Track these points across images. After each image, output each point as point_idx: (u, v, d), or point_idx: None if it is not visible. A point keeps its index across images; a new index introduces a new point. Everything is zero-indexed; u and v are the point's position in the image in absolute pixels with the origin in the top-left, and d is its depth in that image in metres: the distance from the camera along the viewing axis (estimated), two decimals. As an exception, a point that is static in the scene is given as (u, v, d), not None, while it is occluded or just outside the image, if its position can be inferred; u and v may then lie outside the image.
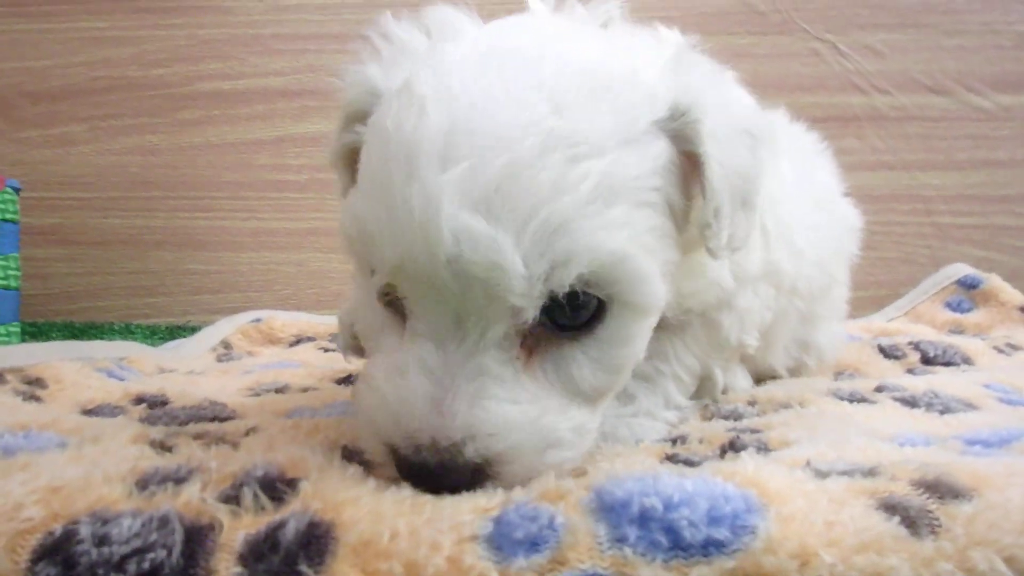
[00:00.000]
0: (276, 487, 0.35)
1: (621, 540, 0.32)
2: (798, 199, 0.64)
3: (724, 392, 0.65)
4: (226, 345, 1.04)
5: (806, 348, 0.73)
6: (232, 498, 0.34)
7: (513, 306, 0.37)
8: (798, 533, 0.32)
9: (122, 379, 0.70)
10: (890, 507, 0.33)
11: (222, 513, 0.33)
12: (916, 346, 0.88)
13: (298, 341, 1.11)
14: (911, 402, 0.60)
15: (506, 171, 0.36)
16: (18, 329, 0.85)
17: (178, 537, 0.32)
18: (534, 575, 0.31)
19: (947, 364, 0.85)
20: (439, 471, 0.36)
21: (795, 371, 0.75)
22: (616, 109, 0.40)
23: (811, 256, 0.65)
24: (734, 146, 0.44)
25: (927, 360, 0.86)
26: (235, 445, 0.44)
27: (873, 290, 1.34)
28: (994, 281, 1.17)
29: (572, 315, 0.39)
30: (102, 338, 1.31)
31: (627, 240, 0.39)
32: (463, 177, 0.35)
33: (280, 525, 0.33)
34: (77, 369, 0.66)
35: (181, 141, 1.41)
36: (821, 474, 0.36)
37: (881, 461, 0.38)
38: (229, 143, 1.41)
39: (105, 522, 0.32)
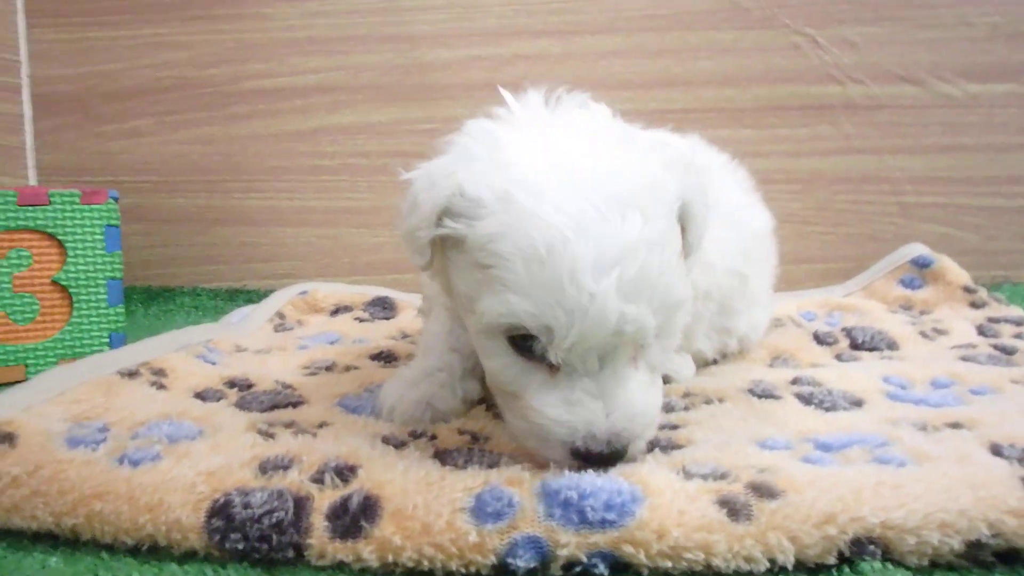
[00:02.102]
0: (343, 473, 0.54)
1: (551, 516, 0.48)
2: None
3: (668, 380, 0.83)
4: (280, 316, 1.23)
5: (727, 334, 0.91)
6: (318, 479, 0.54)
7: (643, 343, 0.55)
8: (660, 517, 0.48)
9: (213, 363, 0.89)
10: (724, 502, 0.49)
11: (313, 490, 0.53)
12: (848, 332, 1.03)
13: (337, 310, 1.30)
14: (807, 399, 0.75)
15: (639, 272, 0.52)
16: (123, 310, 1.06)
17: (290, 504, 0.51)
18: (498, 534, 0.48)
19: (872, 350, 0.99)
20: (611, 454, 0.53)
21: (721, 352, 0.93)
22: (665, 211, 0.57)
23: (720, 266, 0.81)
24: (704, 219, 0.63)
25: (855, 346, 1.00)
26: (314, 435, 0.64)
27: (842, 263, 1.49)
28: (944, 262, 1.30)
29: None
30: (174, 300, 1.51)
31: (686, 285, 0.59)
32: (617, 281, 0.51)
33: (348, 497, 0.52)
34: (183, 358, 0.86)
35: (232, 132, 1.55)
36: (689, 475, 0.53)
37: (737, 464, 0.55)
38: (272, 134, 1.55)
39: (246, 494, 0.52)
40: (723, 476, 0.54)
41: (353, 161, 1.55)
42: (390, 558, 0.49)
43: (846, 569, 0.49)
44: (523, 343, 0.55)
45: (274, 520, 0.51)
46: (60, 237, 0.99)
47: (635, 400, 0.55)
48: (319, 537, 0.50)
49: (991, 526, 0.49)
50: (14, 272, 0.97)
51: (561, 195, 0.53)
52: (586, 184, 0.54)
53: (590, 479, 0.52)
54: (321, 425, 0.69)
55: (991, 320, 1.10)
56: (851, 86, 1.46)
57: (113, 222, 1.02)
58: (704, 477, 0.54)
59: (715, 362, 0.94)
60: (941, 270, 1.29)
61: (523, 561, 0.48)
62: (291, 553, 0.50)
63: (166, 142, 1.58)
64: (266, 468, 0.56)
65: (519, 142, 0.59)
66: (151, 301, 1.50)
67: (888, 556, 0.49)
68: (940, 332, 1.06)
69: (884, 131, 1.47)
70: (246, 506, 0.52)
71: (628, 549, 0.48)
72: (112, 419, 0.65)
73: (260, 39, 1.53)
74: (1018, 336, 1.03)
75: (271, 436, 0.64)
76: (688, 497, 0.51)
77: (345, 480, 0.54)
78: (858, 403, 0.75)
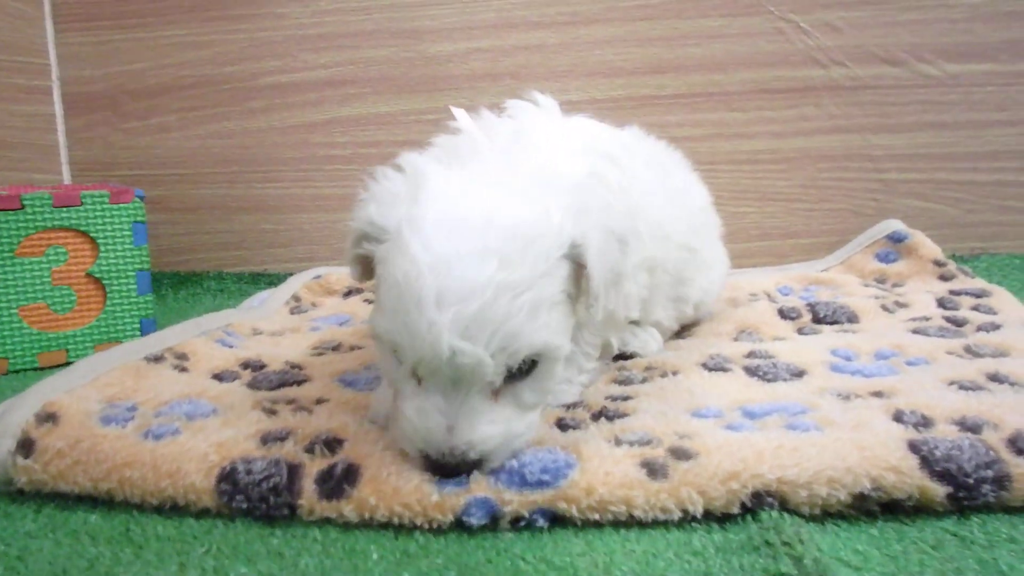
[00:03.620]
0: (332, 444, 0.65)
1: (497, 480, 0.58)
2: (658, 200, 0.85)
3: (630, 354, 0.91)
4: (296, 299, 1.31)
5: (683, 302, 0.98)
6: (310, 449, 0.64)
7: (487, 379, 0.59)
8: (588, 478, 0.57)
9: (231, 346, 0.99)
10: (645, 464, 0.59)
11: (305, 458, 0.63)
12: (812, 307, 1.09)
13: (349, 292, 1.38)
14: (753, 371, 0.82)
15: (478, 311, 0.56)
16: (151, 298, 1.17)
17: (285, 470, 0.61)
18: (455, 496, 0.57)
19: (833, 323, 1.05)
20: (453, 467, 0.59)
21: (679, 320, 1.00)
22: (537, 255, 0.60)
23: (674, 240, 0.88)
24: (608, 255, 0.65)
25: (817, 320, 1.06)
26: (310, 411, 0.74)
27: (826, 237, 1.55)
28: (917, 237, 1.35)
29: (519, 370, 0.61)
30: (201, 284, 1.62)
31: (548, 333, 0.61)
32: (453, 317, 0.56)
33: (334, 465, 0.61)
34: (204, 342, 0.95)
35: (250, 126, 1.64)
36: (619, 442, 0.62)
37: (666, 432, 0.64)
38: (288, 126, 1.63)
39: (249, 462, 0.62)
40: (648, 442, 0.63)
41: (364, 150, 1.63)
42: (367, 515, 0.59)
43: (749, 517, 0.58)
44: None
45: (271, 484, 0.61)
46: (92, 234, 1.11)
47: (478, 428, 0.59)
48: (309, 498, 0.60)
49: (873, 481, 0.58)
50: (52, 267, 1.09)
51: (435, 235, 0.59)
52: (461, 227, 0.59)
53: (531, 451, 0.62)
54: (319, 401, 0.78)
55: (953, 292, 1.16)
56: (834, 69, 1.50)
57: (139, 219, 1.13)
58: (631, 444, 0.63)
59: (688, 325, 1.03)
60: (914, 244, 1.35)
61: (476, 518, 0.58)
62: (286, 511, 0.60)
63: (189, 136, 1.67)
64: (267, 440, 0.66)
65: (435, 181, 0.64)
66: (180, 286, 1.61)
67: (785, 507, 0.58)
68: (901, 305, 1.12)
69: (866, 111, 1.51)
70: (248, 472, 0.62)
71: (562, 505, 0.58)
72: (140, 399, 0.76)
73: (274, 37, 1.61)
74: (975, 308, 1.09)
75: (274, 413, 0.74)
76: (615, 460, 0.60)
77: (333, 451, 0.65)
78: (799, 374, 0.83)
